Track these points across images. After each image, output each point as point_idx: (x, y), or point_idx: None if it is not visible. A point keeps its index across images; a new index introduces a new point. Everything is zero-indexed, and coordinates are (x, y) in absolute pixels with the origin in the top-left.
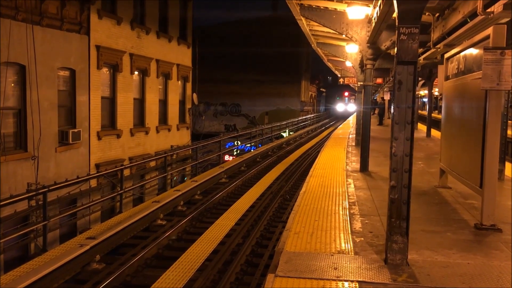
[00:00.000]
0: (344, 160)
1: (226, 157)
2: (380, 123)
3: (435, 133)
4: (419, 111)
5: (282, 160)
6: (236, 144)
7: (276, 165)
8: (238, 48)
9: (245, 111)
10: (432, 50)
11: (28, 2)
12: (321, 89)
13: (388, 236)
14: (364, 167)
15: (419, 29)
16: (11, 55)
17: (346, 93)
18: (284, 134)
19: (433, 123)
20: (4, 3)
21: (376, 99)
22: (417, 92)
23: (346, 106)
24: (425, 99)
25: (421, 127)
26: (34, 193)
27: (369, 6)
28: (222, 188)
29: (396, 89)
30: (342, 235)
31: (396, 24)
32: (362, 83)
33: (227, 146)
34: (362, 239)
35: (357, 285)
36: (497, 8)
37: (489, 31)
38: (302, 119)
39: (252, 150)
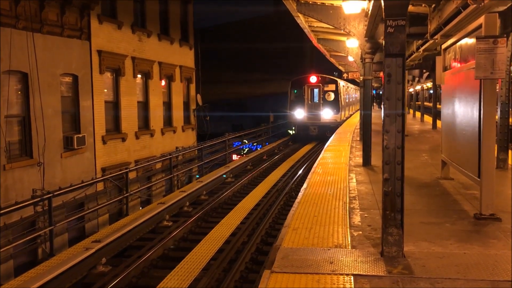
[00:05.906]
0: (348, 155)
1: (234, 157)
2: None
3: (440, 124)
4: (425, 103)
5: (288, 157)
6: (243, 143)
7: (282, 162)
8: (242, 48)
9: (251, 110)
10: (430, 41)
11: (28, 10)
12: None
13: (384, 229)
14: (366, 161)
15: (406, 21)
16: (13, 63)
17: (313, 79)
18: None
19: (439, 115)
20: (4, 12)
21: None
22: (422, 84)
23: (319, 111)
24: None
25: (427, 119)
26: (38, 199)
27: (364, 0)
28: (228, 187)
29: (386, 82)
30: (340, 229)
31: (383, 17)
32: (362, 77)
33: (234, 146)
34: (360, 232)
35: (351, 278)
36: None
37: (481, 20)
38: None
39: (258, 149)
